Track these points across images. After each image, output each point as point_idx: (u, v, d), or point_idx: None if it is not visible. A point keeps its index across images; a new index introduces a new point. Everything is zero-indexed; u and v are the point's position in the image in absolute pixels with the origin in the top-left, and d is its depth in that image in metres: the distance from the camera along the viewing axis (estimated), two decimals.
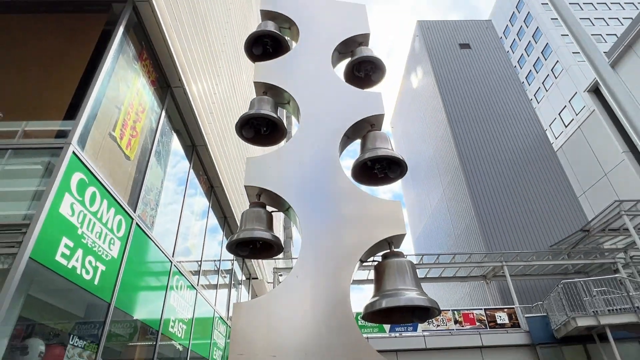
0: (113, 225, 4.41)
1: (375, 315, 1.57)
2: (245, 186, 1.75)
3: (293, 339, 1.38)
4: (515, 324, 14.12)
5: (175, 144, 6.92)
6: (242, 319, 1.41)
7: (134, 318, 5.26)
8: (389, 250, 1.63)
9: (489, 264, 17.14)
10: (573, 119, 30.55)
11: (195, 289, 7.58)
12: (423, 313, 1.54)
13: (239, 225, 1.70)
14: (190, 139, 7.35)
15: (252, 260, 12.43)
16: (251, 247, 1.73)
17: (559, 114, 32.92)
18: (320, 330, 1.40)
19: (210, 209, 8.96)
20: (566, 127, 31.24)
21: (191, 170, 7.51)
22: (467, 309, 14.58)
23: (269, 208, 1.79)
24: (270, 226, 1.67)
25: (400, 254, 1.62)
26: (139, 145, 5.28)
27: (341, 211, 1.66)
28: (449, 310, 14.47)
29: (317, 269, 1.51)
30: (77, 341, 3.76)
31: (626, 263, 16.92)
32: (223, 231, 10.18)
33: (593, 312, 11.89)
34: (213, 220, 9.30)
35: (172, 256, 6.30)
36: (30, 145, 3.94)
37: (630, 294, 12.02)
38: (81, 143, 3.93)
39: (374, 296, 1.53)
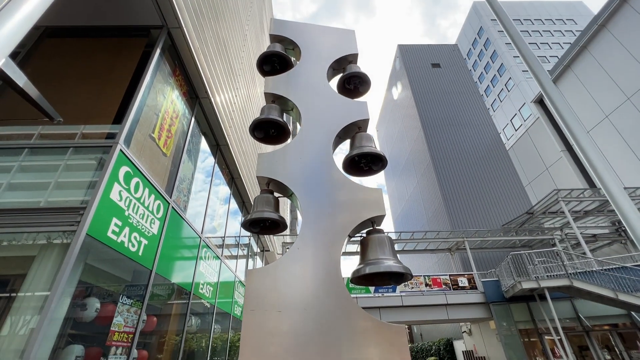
0: (153, 208, 4.40)
1: (361, 279, 1.57)
2: (257, 177, 1.73)
3: (295, 298, 1.38)
4: (473, 287, 14.23)
5: (203, 144, 6.88)
6: (254, 282, 1.41)
7: (171, 281, 5.28)
8: (372, 228, 1.62)
9: (453, 239, 17.21)
10: (522, 124, 30.42)
11: (219, 259, 7.60)
12: (398, 277, 1.54)
13: (252, 208, 1.69)
14: (215, 139, 7.31)
15: (264, 236, 12.47)
16: (262, 225, 1.72)
17: (511, 120, 32.77)
18: (317, 291, 1.40)
19: (231, 195, 8.95)
20: (516, 130, 31.12)
21: (216, 165, 7.48)
22: (435, 275, 14.68)
23: (276, 194, 1.78)
24: (277, 209, 1.66)
25: (381, 231, 1.62)
26: (173, 144, 5.24)
27: (334, 197, 1.65)
28: (421, 275, 14.57)
29: (314, 242, 1.51)
30: (125, 300, 3.78)
31: (562, 239, 17.00)
32: (242, 212, 10.19)
33: (535, 277, 11.97)
34: (233, 204, 9.30)
35: (201, 233, 6.31)
36: (87, 145, 3.90)
37: (564, 263, 12.08)
38: (127, 142, 3.90)
39: (359, 264, 1.53)
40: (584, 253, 13.94)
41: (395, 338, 1.31)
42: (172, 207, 4.95)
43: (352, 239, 1.70)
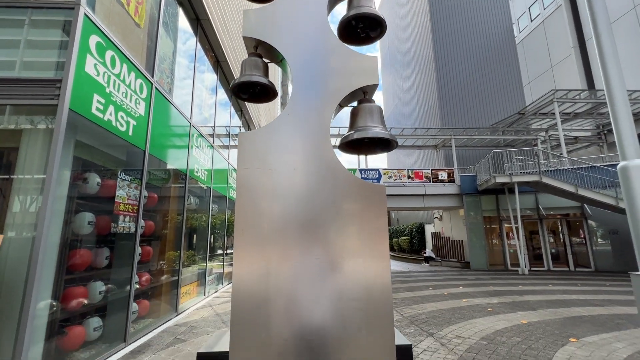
0: (136, 88, 4.17)
1: (349, 146, 1.64)
2: (243, 37, 1.59)
3: (285, 158, 1.46)
4: (451, 180, 15.37)
5: (181, 17, 6.05)
6: (246, 144, 1.46)
7: (166, 163, 5.48)
8: (363, 97, 1.60)
9: (441, 136, 17.61)
10: (539, 14, 27.29)
11: (212, 147, 7.73)
12: (385, 145, 1.61)
13: (240, 72, 1.60)
14: (194, 12, 6.41)
15: (254, 121, 12.40)
16: (250, 92, 1.68)
17: (529, 8, 29.19)
18: (306, 153, 1.48)
19: (218, 81, 8.45)
20: (532, 21, 28.10)
21: (198, 45, 6.78)
22: (418, 169, 15.60)
23: (265, 60, 1.67)
24: (266, 74, 1.59)
25: (372, 101, 1.60)
26: (146, 13, 4.60)
27: (327, 62, 1.56)
28: (405, 169, 15.45)
29: (305, 108, 1.50)
30: (124, 176, 3.97)
31: (544, 139, 17.60)
32: (230, 102, 9.85)
33: (509, 173, 12.89)
34: (222, 93, 8.89)
35: (190, 118, 6.20)
36: (45, 4, 3.37)
37: (540, 161, 12.85)
38: (90, 5, 3.38)
39: (348, 132, 1.57)
40: (562, 154, 14.69)
41: (375, 195, 1.46)
42: (156, 87, 4.70)
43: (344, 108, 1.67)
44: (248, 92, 1.68)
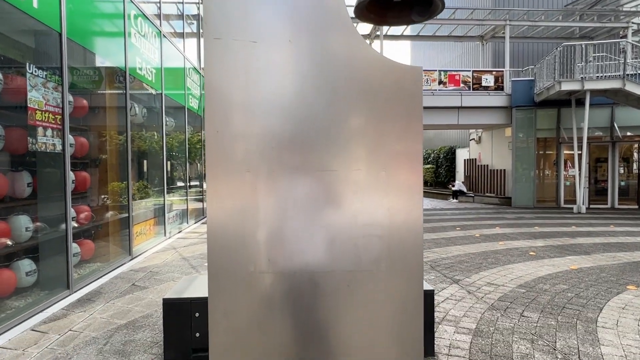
0: None
1: (370, 10, 1.49)
2: None
3: (276, 24, 1.33)
4: (499, 87, 15.05)
5: None
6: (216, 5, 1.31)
7: (94, 53, 5.17)
8: None
9: (490, 22, 16.63)
10: None
11: (160, 33, 7.23)
12: (424, 7, 1.46)
13: None
14: None
15: None
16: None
17: None
18: (309, 17, 1.34)
19: None
20: None
21: None
22: (454, 70, 15.12)
23: None
24: None
25: None
26: None
27: None
28: (435, 70, 14.97)
29: None
30: (35, 70, 3.75)
31: (638, 29, 16.77)
32: None
33: (581, 77, 12.56)
34: None
35: None
36: None
37: (627, 61, 12.43)
38: None
39: None
40: None
41: (407, 81, 1.38)
42: None
43: None
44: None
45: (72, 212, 4.40)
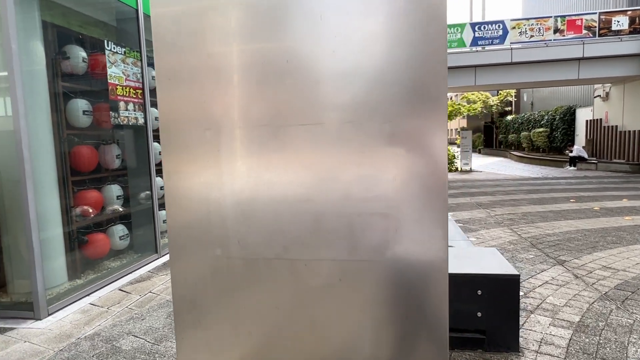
0: None
1: None
2: None
3: None
4: (635, 30, 12.44)
5: None
6: None
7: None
8: None
9: None
10: None
11: None
12: None
13: None
14: None
15: None
16: None
17: None
18: None
19: None
20: None
21: None
22: (575, 15, 12.83)
23: None
24: None
25: None
26: None
27: None
28: (550, 17, 12.88)
29: None
30: (113, 47, 3.94)
31: None
32: None
33: None
34: None
35: None
36: None
37: None
38: None
39: None
40: None
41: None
42: None
43: None
44: None
45: (158, 181, 4.68)
